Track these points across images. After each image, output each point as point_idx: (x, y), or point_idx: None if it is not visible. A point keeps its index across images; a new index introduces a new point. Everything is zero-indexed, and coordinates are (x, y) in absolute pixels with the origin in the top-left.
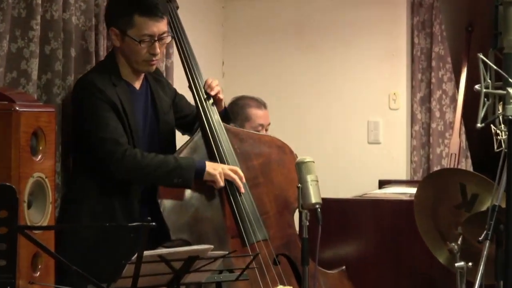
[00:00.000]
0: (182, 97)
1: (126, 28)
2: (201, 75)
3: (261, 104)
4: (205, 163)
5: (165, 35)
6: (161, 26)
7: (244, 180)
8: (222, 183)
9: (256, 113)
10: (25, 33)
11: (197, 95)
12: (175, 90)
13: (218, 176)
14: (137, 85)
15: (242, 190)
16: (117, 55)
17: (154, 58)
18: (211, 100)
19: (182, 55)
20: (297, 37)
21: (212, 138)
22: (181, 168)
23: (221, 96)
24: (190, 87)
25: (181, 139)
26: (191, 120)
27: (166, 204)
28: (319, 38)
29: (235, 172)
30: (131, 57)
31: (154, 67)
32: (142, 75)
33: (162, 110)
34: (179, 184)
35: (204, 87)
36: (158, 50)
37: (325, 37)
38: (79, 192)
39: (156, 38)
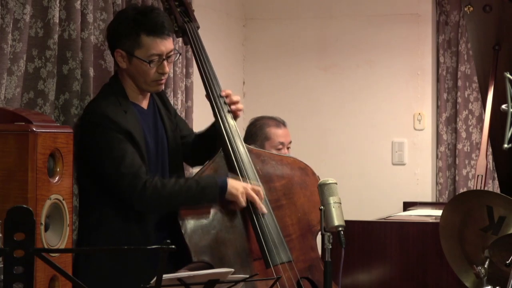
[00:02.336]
0: (180, 118)
1: (133, 49)
2: (224, 97)
3: (280, 123)
4: (226, 182)
5: (172, 53)
6: (168, 44)
7: (262, 200)
8: (244, 204)
9: (275, 132)
10: (42, 53)
11: (219, 116)
12: (175, 110)
13: (240, 197)
14: (145, 104)
15: (264, 211)
16: (122, 77)
17: (163, 77)
18: (231, 116)
19: (204, 76)
20: (319, 56)
21: (234, 159)
22: (204, 189)
23: (240, 113)
24: (212, 109)
25: None
26: (188, 143)
27: (188, 225)
28: (342, 57)
29: (257, 193)
30: (140, 78)
31: (162, 86)
32: (149, 94)
33: (170, 128)
34: (205, 204)
35: (223, 97)
36: (167, 69)
37: (348, 56)
38: (94, 219)
39: (164, 57)
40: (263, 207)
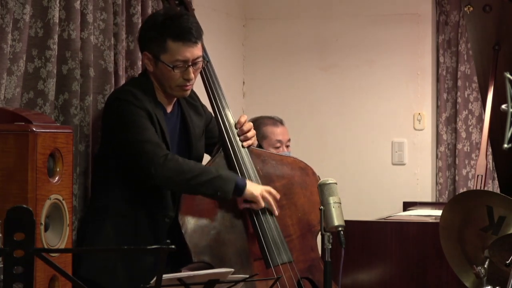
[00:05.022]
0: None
1: (159, 53)
2: (224, 96)
3: (277, 121)
4: (245, 181)
5: (199, 60)
6: (195, 51)
7: (278, 197)
8: (263, 205)
9: (273, 130)
10: (42, 53)
11: (220, 115)
12: (211, 115)
13: (259, 198)
14: (169, 108)
15: (276, 213)
16: (150, 78)
17: (188, 83)
18: (231, 114)
19: (205, 76)
20: (319, 56)
21: (235, 159)
22: (222, 179)
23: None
24: (212, 107)
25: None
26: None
27: (188, 225)
28: (342, 57)
29: (270, 193)
30: (165, 82)
31: (188, 92)
32: (174, 99)
33: (194, 136)
34: (218, 195)
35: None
36: (192, 76)
37: (348, 56)
38: (101, 210)
39: (189, 63)
40: (276, 209)
